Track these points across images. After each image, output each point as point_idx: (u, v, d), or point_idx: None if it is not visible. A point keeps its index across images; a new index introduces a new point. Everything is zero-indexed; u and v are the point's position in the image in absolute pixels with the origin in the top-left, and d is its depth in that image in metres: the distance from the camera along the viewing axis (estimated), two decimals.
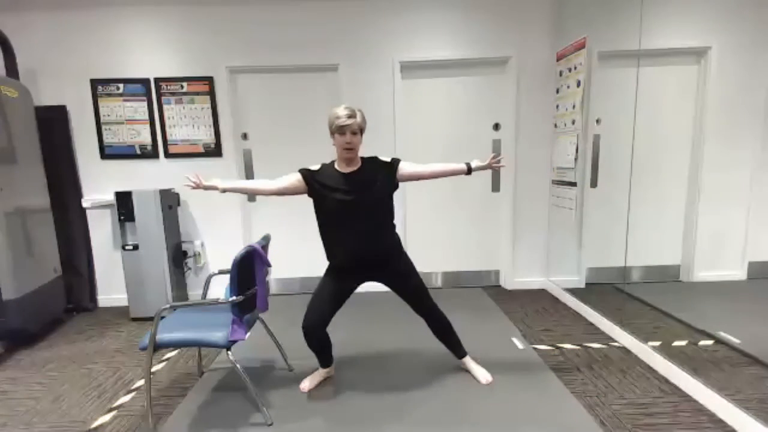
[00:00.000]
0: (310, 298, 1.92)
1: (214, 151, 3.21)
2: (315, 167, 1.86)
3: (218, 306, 1.96)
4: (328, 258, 1.93)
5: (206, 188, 1.84)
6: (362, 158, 1.86)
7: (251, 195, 1.91)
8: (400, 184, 1.89)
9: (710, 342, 2.10)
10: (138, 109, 3.15)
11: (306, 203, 3.35)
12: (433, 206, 3.41)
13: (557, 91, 3.13)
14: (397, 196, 1.90)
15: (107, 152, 3.20)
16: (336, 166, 1.84)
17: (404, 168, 1.85)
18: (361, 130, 1.78)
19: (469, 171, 1.88)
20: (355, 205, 1.77)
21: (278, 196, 1.92)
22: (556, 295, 3.28)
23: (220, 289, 3.26)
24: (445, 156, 3.24)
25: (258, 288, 1.89)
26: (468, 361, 2.11)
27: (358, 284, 1.93)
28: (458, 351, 2.10)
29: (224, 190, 1.85)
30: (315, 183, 1.81)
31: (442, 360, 2.24)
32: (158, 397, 2.02)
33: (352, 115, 1.73)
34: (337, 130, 1.74)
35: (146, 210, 2.91)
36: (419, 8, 3.12)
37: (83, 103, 3.14)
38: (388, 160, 1.87)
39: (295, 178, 1.83)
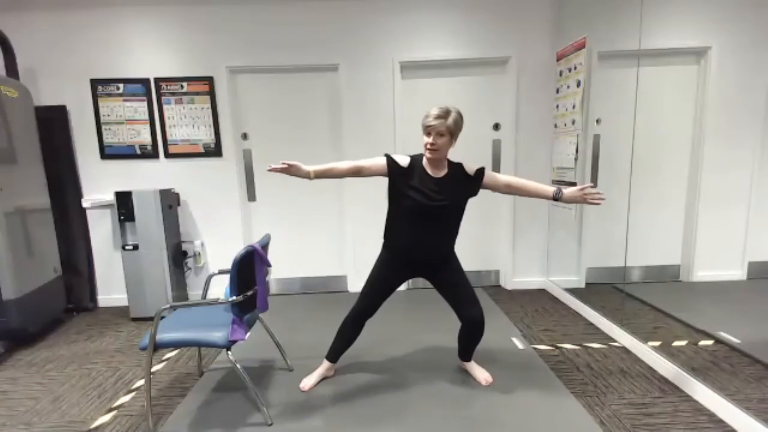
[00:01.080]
0: (361, 289, 1.99)
1: (214, 151, 3.21)
2: (403, 161, 1.78)
3: (218, 306, 1.96)
4: (386, 242, 1.92)
5: (296, 174, 1.71)
6: (449, 162, 1.80)
7: (334, 178, 1.83)
8: None
9: (710, 342, 2.11)
10: (138, 109, 3.15)
11: (306, 203, 3.38)
12: None
13: (557, 91, 3.13)
14: None
15: (107, 152, 3.20)
16: (424, 164, 1.79)
17: (488, 180, 1.81)
18: (451, 134, 1.69)
19: (556, 198, 1.78)
20: (433, 210, 1.75)
21: (353, 177, 1.83)
22: (556, 295, 3.28)
23: (220, 289, 3.26)
24: None
25: (258, 288, 1.89)
26: (470, 363, 2.11)
27: (408, 278, 1.96)
28: (468, 355, 2.09)
29: (315, 176, 1.74)
30: (398, 178, 1.77)
31: (443, 360, 2.24)
32: (158, 397, 2.02)
33: (441, 116, 1.65)
34: (424, 130, 1.70)
35: (146, 210, 2.91)
36: (419, 8, 3.12)
37: (83, 103, 3.14)
38: (473, 172, 1.80)
39: (380, 164, 1.77)
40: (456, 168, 1.81)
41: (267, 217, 3.44)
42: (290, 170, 1.70)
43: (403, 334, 2.61)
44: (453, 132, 1.70)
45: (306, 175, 1.73)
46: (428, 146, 1.70)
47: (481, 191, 1.85)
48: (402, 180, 1.77)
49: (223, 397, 2.00)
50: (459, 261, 1.96)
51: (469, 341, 2.02)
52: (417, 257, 1.85)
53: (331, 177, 1.78)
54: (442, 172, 1.79)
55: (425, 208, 1.75)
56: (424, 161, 1.79)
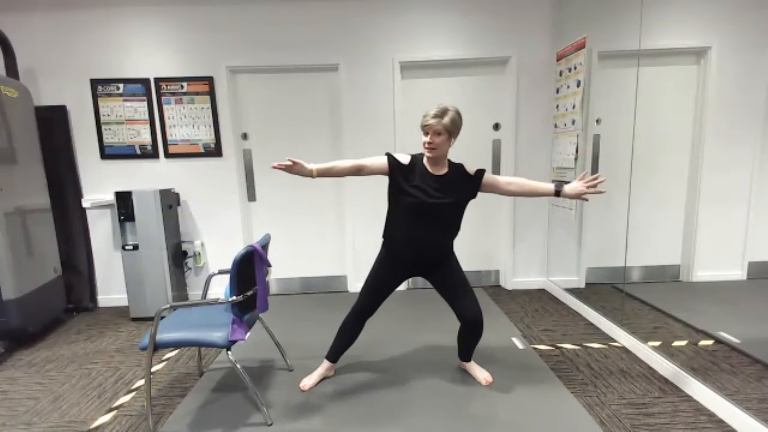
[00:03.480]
0: (361, 288, 1.98)
1: (214, 151, 3.21)
2: (404, 159, 1.81)
3: (218, 306, 1.96)
4: (386, 241, 1.92)
5: (299, 173, 1.73)
6: (450, 162, 1.83)
7: (337, 177, 1.86)
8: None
9: (710, 342, 2.11)
10: (138, 109, 3.15)
11: (306, 203, 3.38)
12: None
13: (557, 91, 3.13)
14: None
15: (107, 152, 3.20)
16: (425, 162, 1.81)
17: (488, 180, 1.83)
18: (449, 133, 1.71)
19: (558, 194, 1.80)
20: (433, 208, 1.76)
21: (355, 176, 1.86)
22: (556, 295, 3.28)
23: (220, 289, 3.27)
24: None
25: (258, 288, 1.89)
26: (470, 363, 2.11)
27: (407, 278, 1.96)
28: (468, 355, 2.09)
29: (318, 175, 1.76)
30: (400, 176, 1.79)
31: (443, 360, 2.24)
32: (158, 397, 2.02)
33: (438, 115, 1.68)
34: (422, 129, 1.73)
35: (146, 210, 2.91)
36: (419, 8, 3.12)
37: (83, 103, 3.14)
38: (473, 172, 1.83)
39: (381, 162, 1.80)
40: (456, 167, 1.83)
41: (267, 217, 3.44)
42: (294, 168, 1.73)
43: (403, 334, 2.61)
44: (450, 131, 1.71)
45: (309, 174, 1.75)
46: (426, 145, 1.73)
47: (483, 194, 1.85)
48: (402, 177, 1.78)
49: (223, 397, 2.00)
50: (458, 260, 1.96)
51: (468, 341, 2.02)
52: (416, 256, 1.86)
53: (332, 176, 1.81)
54: (443, 171, 1.81)
55: (425, 205, 1.76)
56: (425, 160, 1.82)
